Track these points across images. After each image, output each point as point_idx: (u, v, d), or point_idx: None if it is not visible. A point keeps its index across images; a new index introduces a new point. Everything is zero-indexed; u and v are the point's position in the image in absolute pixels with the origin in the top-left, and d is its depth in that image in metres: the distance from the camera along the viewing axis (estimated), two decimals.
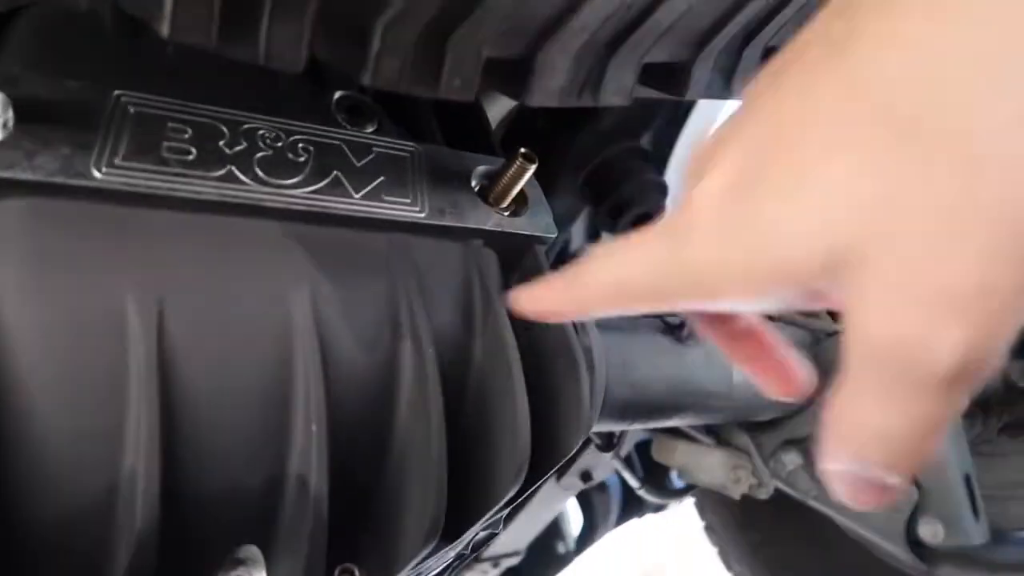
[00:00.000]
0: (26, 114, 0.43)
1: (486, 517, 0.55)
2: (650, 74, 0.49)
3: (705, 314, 0.41)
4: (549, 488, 1.65)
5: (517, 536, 1.83)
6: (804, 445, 1.23)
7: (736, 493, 1.11)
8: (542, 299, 0.41)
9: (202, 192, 0.46)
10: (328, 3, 0.37)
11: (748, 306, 0.35)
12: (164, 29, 0.36)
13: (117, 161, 0.44)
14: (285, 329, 0.46)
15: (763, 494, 1.10)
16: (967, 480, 1.24)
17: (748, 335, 0.41)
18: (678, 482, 1.83)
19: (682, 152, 2.07)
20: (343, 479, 0.47)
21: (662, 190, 1.36)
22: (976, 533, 1.17)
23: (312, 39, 0.39)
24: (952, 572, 1.33)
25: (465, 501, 0.52)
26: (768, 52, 0.52)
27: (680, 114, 1.97)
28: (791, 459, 1.17)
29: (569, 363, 0.57)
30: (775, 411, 1.11)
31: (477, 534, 0.61)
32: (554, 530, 2.16)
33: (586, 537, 2.18)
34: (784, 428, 1.14)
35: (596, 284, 0.37)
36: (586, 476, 1.64)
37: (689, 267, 0.33)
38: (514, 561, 1.95)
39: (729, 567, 1.84)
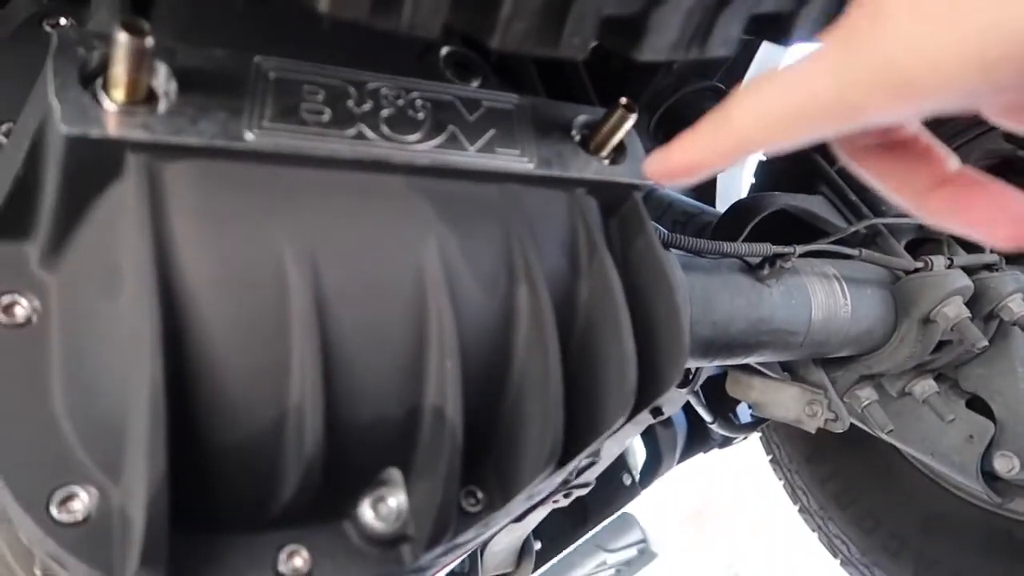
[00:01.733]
0: (185, 83, 0.47)
1: (594, 445, 0.59)
2: (755, 23, 0.51)
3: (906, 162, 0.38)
4: None
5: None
6: (878, 381, 1.25)
7: (812, 427, 1.14)
8: (685, 151, 0.40)
9: (339, 150, 0.50)
10: None
11: (947, 104, 0.30)
12: (324, 5, 0.40)
13: (265, 124, 0.48)
14: (418, 274, 0.50)
15: (839, 428, 1.12)
16: None
17: (951, 181, 0.38)
18: (745, 416, 1.86)
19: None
20: (469, 409, 0.52)
21: None
22: None
23: (449, 8, 0.42)
24: None
25: (574, 430, 0.57)
26: None
27: (748, 52, 1.93)
28: (867, 394, 1.19)
29: (669, 301, 0.60)
30: (852, 348, 1.13)
31: (581, 461, 0.66)
32: (620, 463, 2.23)
33: (651, 471, 2.25)
34: (859, 364, 1.16)
35: (755, 117, 0.35)
36: (656, 411, 1.68)
37: (883, 64, 0.29)
38: (584, 491, 2.03)
39: (794, 499, 1.89)
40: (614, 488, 2.31)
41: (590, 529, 2.42)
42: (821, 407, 1.14)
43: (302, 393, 0.45)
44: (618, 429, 0.60)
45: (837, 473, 1.80)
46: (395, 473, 0.52)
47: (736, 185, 2.14)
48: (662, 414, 1.72)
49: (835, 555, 1.76)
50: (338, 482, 0.49)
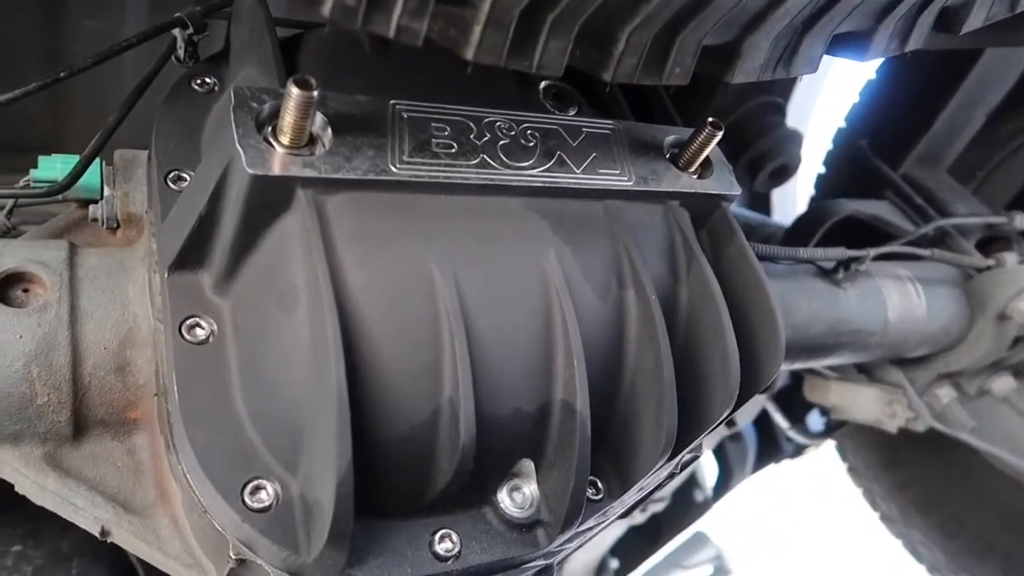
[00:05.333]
0: (336, 127, 0.55)
1: (701, 437, 0.64)
2: (836, 42, 0.57)
3: None
4: None
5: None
6: (956, 380, 1.26)
7: (893, 427, 1.16)
8: None
9: (468, 178, 0.57)
10: (588, 20, 0.47)
11: None
12: (469, 54, 0.46)
13: (404, 158, 0.56)
14: (543, 283, 0.56)
15: (920, 426, 1.15)
16: None
17: None
18: (816, 426, 1.88)
19: (798, 104, 2.07)
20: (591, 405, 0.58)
21: (798, 142, 1.40)
22: None
23: (571, 49, 0.48)
24: None
25: (682, 424, 0.62)
26: (943, 12, 0.58)
27: None
28: (945, 393, 1.21)
29: (764, 300, 0.65)
30: (928, 347, 1.15)
31: (685, 456, 0.70)
32: (691, 479, 2.25)
33: (723, 485, 2.26)
34: (937, 363, 1.18)
35: None
36: (730, 422, 1.71)
37: None
38: (660, 507, 2.06)
39: (875, 506, 1.88)
40: (686, 504, 2.33)
41: (663, 545, 2.44)
42: (901, 407, 1.17)
43: (455, 389, 0.51)
44: (722, 422, 0.65)
45: (916, 479, 1.79)
46: (528, 464, 0.58)
47: (791, 197, 2.16)
48: (735, 424, 1.74)
49: (920, 561, 1.75)
50: (481, 472, 0.55)
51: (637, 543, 2.36)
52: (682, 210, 0.68)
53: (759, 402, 1.59)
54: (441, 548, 0.54)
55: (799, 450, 2.10)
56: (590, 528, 0.64)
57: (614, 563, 2.36)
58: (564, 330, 0.56)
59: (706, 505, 2.33)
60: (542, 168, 0.61)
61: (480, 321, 0.53)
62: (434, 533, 0.55)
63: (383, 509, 0.54)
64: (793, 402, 1.79)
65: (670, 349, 0.59)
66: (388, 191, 0.55)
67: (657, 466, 0.61)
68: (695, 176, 0.68)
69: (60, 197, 0.67)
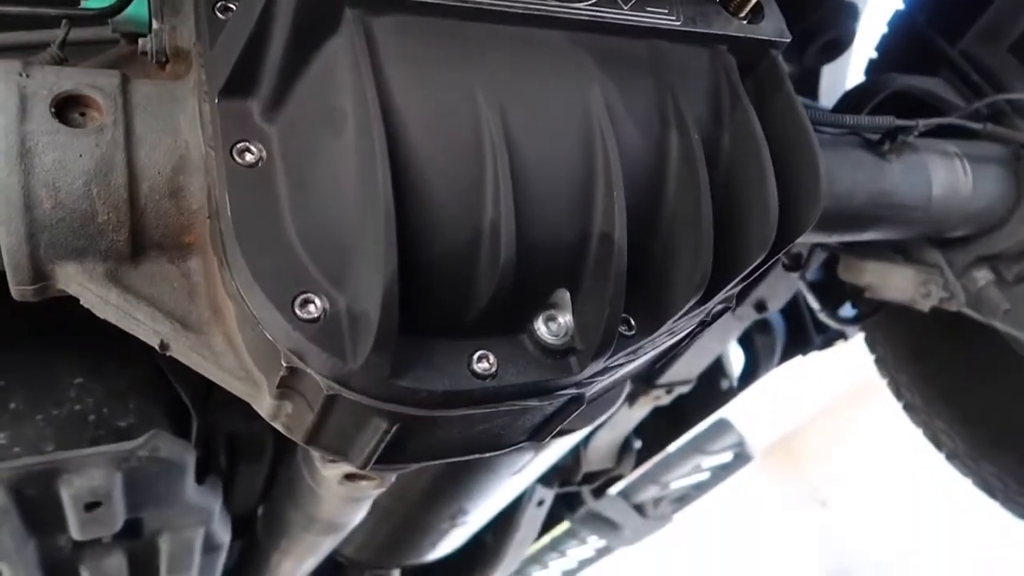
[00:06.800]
0: None
1: (735, 282, 0.65)
2: None
3: None
4: (722, 318, 1.76)
5: (689, 365, 1.97)
6: (996, 264, 1.25)
7: (926, 306, 1.16)
8: None
9: (514, 7, 0.57)
10: None
11: None
12: None
13: None
14: (586, 115, 0.57)
15: (954, 306, 1.14)
16: None
17: None
18: (849, 312, 1.88)
19: None
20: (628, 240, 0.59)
21: (854, 15, 1.34)
22: None
23: None
24: None
25: (718, 266, 0.63)
26: None
27: None
28: (983, 275, 1.20)
29: (807, 148, 0.65)
30: (970, 227, 1.14)
31: (716, 307, 0.72)
32: (718, 366, 2.29)
33: (749, 374, 2.30)
34: (978, 244, 1.17)
35: None
36: (760, 306, 1.72)
37: None
38: (686, 389, 2.11)
39: (899, 396, 1.90)
40: (711, 391, 2.38)
41: (687, 430, 2.51)
42: (936, 287, 1.16)
43: (496, 211, 0.53)
44: (760, 268, 0.65)
45: (943, 370, 1.80)
46: (564, 294, 0.59)
47: (841, 81, 2.09)
48: (766, 309, 1.75)
49: (940, 449, 1.79)
50: (519, 298, 0.57)
51: (661, 427, 2.43)
52: (729, 56, 0.67)
53: (792, 285, 1.59)
54: (479, 367, 0.57)
55: (828, 341, 2.12)
56: (620, 365, 0.67)
57: (638, 444, 2.44)
58: (605, 162, 0.56)
59: (731, 393, 2.38)
60: (589, 3, 0.60)
61: (523, 147, 0.54)
62: (472, 354, 0.57)
63: (425, 327, 0.56)
64: (827, 292, 1.79)
65: (710, 188, 0.60)
66: (434, 15, 0.55)
67: (689, 304, 0.62)
68: (745, 21, 0.67)
69: (109, 27, 0.68)
